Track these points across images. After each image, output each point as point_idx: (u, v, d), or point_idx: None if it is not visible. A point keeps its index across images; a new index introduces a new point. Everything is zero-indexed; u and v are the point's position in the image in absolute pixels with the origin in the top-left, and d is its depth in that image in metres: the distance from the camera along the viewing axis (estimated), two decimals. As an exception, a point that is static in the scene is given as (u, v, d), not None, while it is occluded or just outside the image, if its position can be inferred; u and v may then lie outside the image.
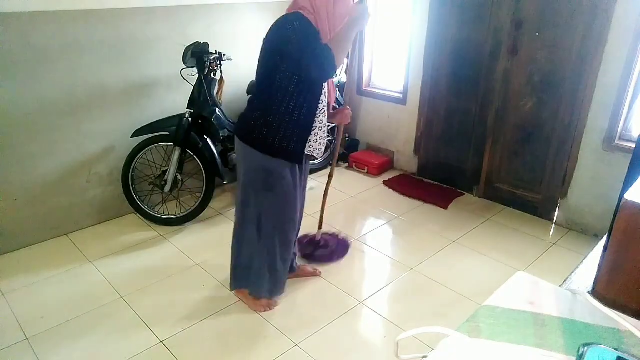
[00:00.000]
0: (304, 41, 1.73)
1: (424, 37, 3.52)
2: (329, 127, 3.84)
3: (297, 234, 2.37)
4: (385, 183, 3.81)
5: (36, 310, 2.32)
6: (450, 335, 0.89)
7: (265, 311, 2.29)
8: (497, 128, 3.32)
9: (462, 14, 3.29)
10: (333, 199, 3.54)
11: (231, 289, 2.34)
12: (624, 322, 0.93)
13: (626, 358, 0.81)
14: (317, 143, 2.01)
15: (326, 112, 2.02)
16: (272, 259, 2.16)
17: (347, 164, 4.16)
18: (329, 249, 2.71)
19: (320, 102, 1.92)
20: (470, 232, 3.08)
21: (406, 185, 3.76)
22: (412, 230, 3.12)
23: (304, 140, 1.95)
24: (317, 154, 2.04)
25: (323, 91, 1.92)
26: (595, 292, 1.04)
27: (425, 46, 3.54)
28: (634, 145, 2.61)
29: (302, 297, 2.45)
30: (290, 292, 2.48)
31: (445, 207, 3.42)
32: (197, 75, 2.97)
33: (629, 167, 1.14)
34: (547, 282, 1.07)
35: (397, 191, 3.68)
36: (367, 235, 3.06)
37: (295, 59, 1.78)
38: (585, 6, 2.74)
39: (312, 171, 3.96)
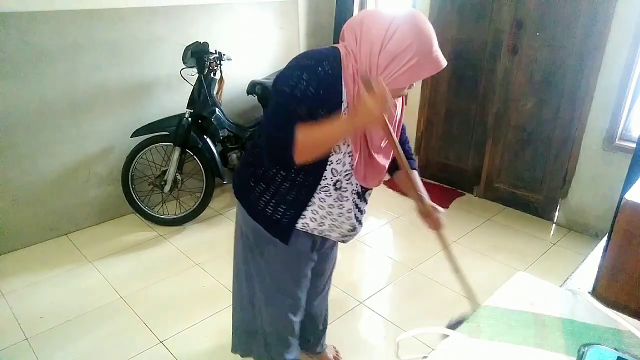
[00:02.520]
0: (289, 98, 1.21)
1: (424, 37, 3.51)
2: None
3: (319, 316, 1.93)
4: (385, 183, 3.80)
5: (36, 310, 2.32)
6: (450, 335, 0.89)
7: None
8: (497, 128, 3.32)
9: (462, 14, 3.29)
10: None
11: (232, 351, 1.93)
12: (624, 322, 0.92)
13: (626, 358, 0.81)
14: (319, 223, 1.49)
15: (339, 191, 1.44)
16: (267, 332, 1.75)
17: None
18: None
19: (323, 178, 1.39)
20: (470, 232, 3.08)
21: (406, 185, 3.75)
22: (412, 230, 3.12)
23: (293, 217, 1.46)
24: (328, 235, 1.55)
25: (330, 167, 1.37)
26: (595, 292, 1.04)
27: (426, 46, 3.53)
28: (634, 145, 2.61)
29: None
30: (290, 292, 2.48)
31: (445, 207, 3.42)
32: (197, 75, 2.97)
33: (629, 167, 1.14)
34: (548, 283, 1.07)
35: (397, 191, 3.68)
36: (367, 235, 3.06)
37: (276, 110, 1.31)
38: (585, 6, 2.73)
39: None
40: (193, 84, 2.99)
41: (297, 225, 1.48)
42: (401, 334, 0.91)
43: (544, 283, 1.07)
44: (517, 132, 3.23)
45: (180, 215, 3.11)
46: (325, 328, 2.01)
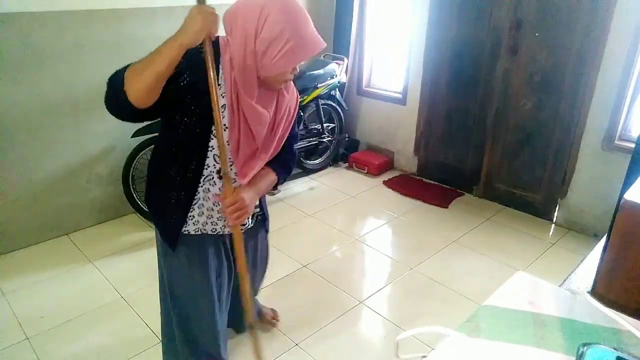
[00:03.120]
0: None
1: (424, 37, 3.52)
2: (329, 127, 3.85)
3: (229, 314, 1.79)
4: (385, 183, 3.81)
5: (36, 310, 2.32)
6: (450, 335, 0.90)
7: None
8: (496, 128, 3.32)
9: (462, 14, 3.29)
10: (333, 198, 3.55)
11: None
12: (624, 322, 0.93)
13: (625, 358, 0.81)
14: (204, 216, 1.47)
15: (220, 182, 1.43)
16: (177, 336, 1.69)
17: (347, 164, 4.16)
18: None
19: (206, 167, 1.39)
20: (470, 232, 3.09)
21: (406, 185, 3.76)
22: (412, 230, 3.13)
23: (178, 216, 1.44)
24: (210, 229, 1.50)
25: (211, 153, 1.38)
26: (594, 292, 1.04)
27: (425, 46, 3.54)
28: (633, 145, 2.60)
29: (302, 297, 2.45)
30: (291, 292, 2.48)
31: (445, 207, 3.42)
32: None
33: (628, 167, 1.14)
34: (547, 282, 1.07)
35: (397, 191, 3.68)
36: (367, 235, 3.06)
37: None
38: (585, 6, 2.74)
39: (312, 171, 3.97)
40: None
41: (187, 228, 1.46)
42: (401, 333, 0.91)
43: (543, 283, 1.07)
44: (517, 132, 3.24)
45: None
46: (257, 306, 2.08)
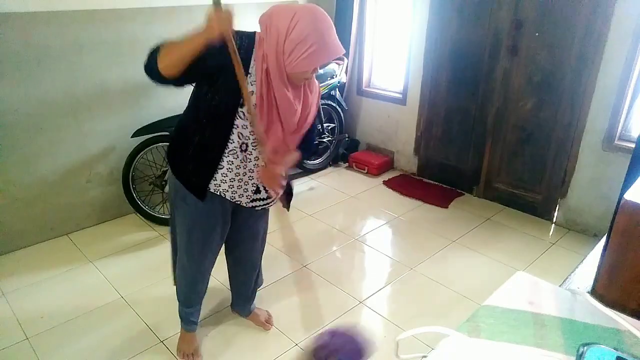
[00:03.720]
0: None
1: (424, 37, 3.52)
2: (329, 127, 3.85)
3: (245, 285, 2.15)
4: (385, 183, 3.81)
5: (36, 310, 2.32)
6: (450, 335, 0.90)
7: (183, 358, 2.03)
8: (496, 128, 3.32)
9: (461, 14, 3.29)
10: (333, 198, 3.55)
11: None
12: (624, 322, 0.93)
13: (625, 358, 0.81)
14: (229, 186, 1.69)
15: (246, 154, 1.65)
16: (176, 279, 2.02)
17: (347, 164, 4.16)
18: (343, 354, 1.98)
19: (230, 141, 1.60)
20: (470, 232, 3.09)
21: (406, 185, 3.76)
22: (412, 230, 3.13)
23: (206, 175, 1.68)
24: (237, 200, 1.73)
25: (236, 130, 1.59)
26: (594, 292, 1.04)
27: (425, 46, 3.54)
28: (633, 145, 2.61)
29: (302, 297, 2.45)
30: (291, 292, 2.48)
31: (445, 207, 3.42)
32: (197, 75, 2.97)
33: (628, 167, 1.14)
34: (547, 282, 1.07)
35: (397, 191, 3.68)
36: (367, 235, 3.06)
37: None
38: (585, 6, 2.74)
39: (312, 171, 3.97)
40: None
41: (210, 186, 1.69)
42: (401, 333, 0.91)
43: (543, 283, 1.07)
44: (517, 132, 3.24)
45: (180, 215, 3.11)
46: (253, 295, 2.22)
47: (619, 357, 0.81)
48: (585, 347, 0.83)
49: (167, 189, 2.98)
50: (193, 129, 1.65)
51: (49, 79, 2.67)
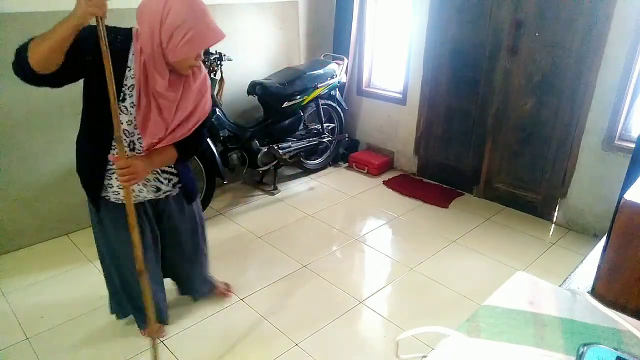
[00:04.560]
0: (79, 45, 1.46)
1: (424, 37, 3.52)
2: (329, 127, 3.85)
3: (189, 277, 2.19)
4: (385, 183, 3.81)
5: (36, 310, 2.32)
6: (450, 335, 0.90)
7: (149, 336, 1.99)
8: (496, 128, 3.32)
9: (462, 14, 3.29)
10: (333, 198, 3.55)
11: (110, 312, 2.17)
12: (624, 322, 0.93)
13: (626, 358, 0.81)
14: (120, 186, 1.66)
15: (132, 154, 1.64)
16: (121, 292, 2.03)
17: (347, 164, 4.16)
18: None
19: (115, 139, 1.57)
20: (470, 232, 3.09)
21: (406, 185, 3.76)
22: (412, 230, 3.13)
23: (97, 181, 1.66)
24: (138, 199, 1.73)
25: (120, 127, 1.52)
26: (594, 292, 1.04)
27: (425, 46, 3.54)
28: (633, 145, 2.61)
29: (302, 297, 2.45)
30: (291, 292, 2.48)
31: (445, 207, 3.42)
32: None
33: (628, 167, 1.14)
34: (547, 282, 1.07)
35: (397, 191, 3.68)
36: (367, 235, 3.06)
37: None
38: (585, 6, 2.74)
39: (312, 171, 3.97)
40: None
41: (107, 194, 1.70)
42: (401, 333, 0.91)
43: (543, 283, 1.07)
44: (517, 132, 3.24)
45: (180, 215, 3.11)
46: (206, 279, 2.26)
47: (619, 357, 0.81)
48: (585, 347, 0.83)
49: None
50: (82, 130, 1.69)
51: (49, 79, 2.67)
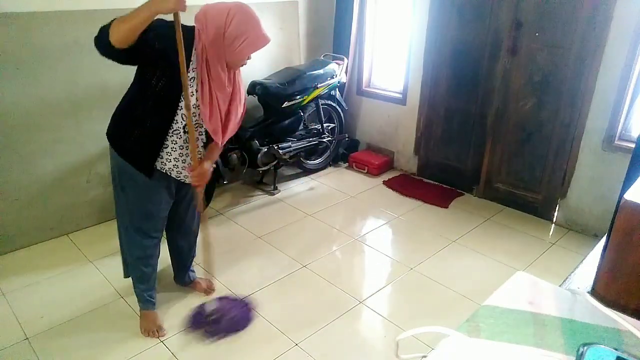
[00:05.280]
0: (153, 34, 1.67)
1: (424, 37, 3.52)
2: (329, 127, 3.85)
3: (184, 253, 2.37)
4: (385, 183, 3.81)
5: (36, 310, 2.32)
6: (450, 335, 0.90)
7: (148, 336, 2.15)
8: (496, 128, 3.32)
9: (462, 14, 3.29)
10: (333, 198, 3.55)
11: (124, 276, 2.30)
12: (624, 322, 0.93)
13: (626, 358, 0.81)
14: (173, 164, 1.92)
15: (185, 136, 1.88)
16: (129, 260, 2.17)
17: (347, 164, 4.16)
18: (223, 321, 2.22)
19: (175, 122, 1.82)
20: (470, 232, 3.09)
21: (406, 185, 3.76)
22: (412, 230, 3.13)
23: (152, 154, 1.87)
24: (179, 176, 1.96)
25: (179, 112, 1.81)
26: (594, 292, 1.04)
27: (425, 46, 3.54)
28: (633, 145, 2.61)
29: (302, 297, 2.45)
30: (291, 292, 2.49)
31: (445, 207, 3.42)
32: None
33: (628, 167, 1.14)
34: (547, 282, 1.07)
35: (397, 191, 3.68)
36: (367, 235, 3.06)
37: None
38: (585, 6, 2.74)
39: (312, 171, 3.97)
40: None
41: (156, 164, 1.90)
42: (401, 333, 0.91)
43: (543, 283, 1.07)
44: (517, 132, 3.24)
45: (180, 215, 3.11)
46: (190, 263, 2.43)
47: (619, 357, 0.81)
48: (585, 347, 0.83)
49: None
50: (140, 111, 1.81)
51: (49, 79, 2.67)
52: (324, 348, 2.10)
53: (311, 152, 3.84)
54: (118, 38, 1.57)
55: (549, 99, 3.02)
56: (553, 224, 3.20)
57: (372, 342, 2.17)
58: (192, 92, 1.80)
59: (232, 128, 1.97)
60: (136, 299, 2.22)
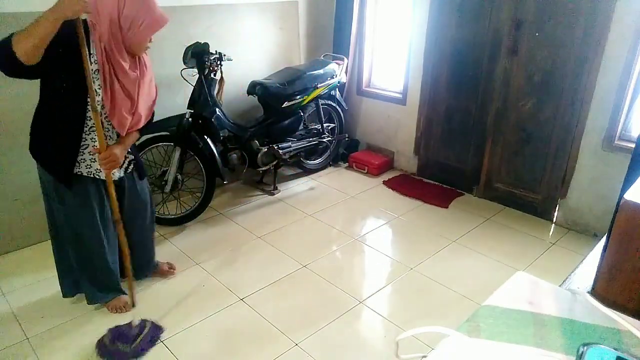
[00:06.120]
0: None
1: (424, 37, 3.52)
2: (329, 127, 3.85)
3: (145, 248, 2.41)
4: (385, 183, 3.81)
5: (37, 309, 2.32)
6: (450, 335, 0.89)
7: (115, 312, 2.27)
8: (496, 128, 3.32)
9: (461, 14, 3.29)
10: (333, 198, 3.55)
11: (64, 296, 2.28)
12: (624, 322, 0.93)
13: (626, 358, 0.81)
14: (97, 163, 1.90)
15: (107, 131, 1.89)
16: (79, 270, 2.16)
17: (347, 164, 4.16)
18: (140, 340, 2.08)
19: (88, 119, 1.81)
20: (470, 232, 3.09)
21: (406, 185, 3.76)
22: (412, 230, 3.13)
23: (71, 158, 1.84)
24: (101, 175, 1.94)
25: (89, 107, 1.78)
26: (594, 292, 1.04)
27: (425, 46, 3.54)
28: (633, 145, 2.61)
29: (302, 297, 2.45)
30: (291, 292, 2.49)
31: (445, 207, 3.42)
32: (198, 76, 2.97)
33: (628, 167, 1.14)
34: (547, 282, 1.07)
35: (397, 191, 3.68)
36: (367, 235, 3.06)
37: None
38: (585, 6, 2.74)
39: (312, 171, 3.97)
40: (193, 85, 2.99)
41: (81, 170, 1.88)
42: (401, 333, 0.91)
43: (543, 283, 1.07)
44: (517, 132, 3.24)
45: (180, 215, 3.11)
46: (153, 256, 2.49)
47: (619, 357, 0.81)
48: (585, 347, 0.83)
49: (167, 188, 2.98)
50: (51, 117, 1.81)
51: (49, 79, 2.67)
52: (324, 348, 2.10)
53: (311, 152, 3.84)
54: (28, 54, 1.53)
55: (549, 99, 3.02)
56: (553, 224, 3.20)
57: (372, 342, 2.17)
58: (99, 84, 1.79)
59: (145, 111, 1.97)
60: (104, 299, 2.26)
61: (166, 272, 2.56)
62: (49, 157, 1.85)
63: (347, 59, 3.86)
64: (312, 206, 3.41)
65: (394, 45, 3.95)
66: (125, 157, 2.06)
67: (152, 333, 2.11)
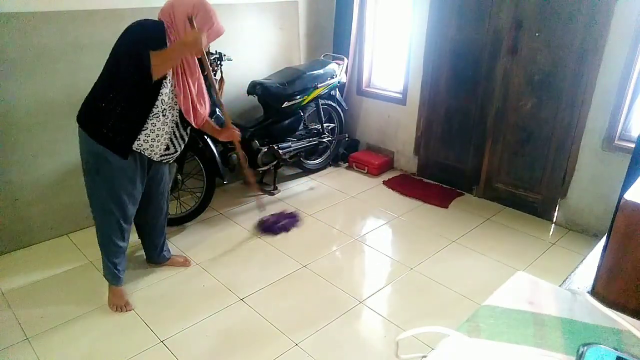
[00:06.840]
0: (139, 43, 1.92)
1: (424, 37, 3.52)
2: (329, 127, 3.85)
3: (156, 230, 2.55)
4: (385, 183, 3.81)
5: (37, 309, 2.32)
6: (450, 335, 0.89)
7: (116, 311, 2.32)
8: (496, 128, 3.32)
9: (461, 14, 3.29)
10: (333, 198, 3.55)
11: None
12: (624, 322, 0.93)
13: (626, 358, 0.81)
14: (149, 145, 2.10)
15: (165, 118, 2.08)
16: (102, 240, 2.27)
17: (347, 164, 4.16)
18: (279, 225, 3.05)
19: (155, 107, 2.02)
20: (470, 232, 3.09)
21: (406, 185, 3.76)
22: (412, 230, 3.13)
23: (131, 136, 2.04)
24: (152, 155, 2.14)
25: (160, 97, 2.01)
26: (594, 292, 1.04)
27: (425, 46, 3.54)
28: (633, 145, 2.61)
29: (302, 297, 2.45)
30: (291, 292, 2.49)
31: (445, 207, 3.42)
32: (197, 75, 2.97)
33: (628, 167, 1.14)
34: (547, 282, 1.07)
35: (397, 191, 3.68)
36: (367, 235, 3.06)
37: (128, 57, 1.94)
38: (585, 6, 2.74)
39: (312, 171, 3.97)
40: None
41: (133, 145, 2.05)
42: (401, 333, 0.91)
43: (543, 283, 1.07)
44: (517, 132, 3.24)
45: (180, 215, 3.11)
46: (164, 242, 2.61)
47: (619, 357, 0.81)
48: (585, 347, 0.83)
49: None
50: (116, 99, 1.97)
51: (49, 79, 2.67)
52: (324, 348, 2.10)
53: (311, 152, 3.84)
54: (161, 72, 1.93)
55: (549, 99, 3.02)
56: (553, 224, 3.20)
57: (372, 342, 2.17)
58: (169, 79, 2.02)
59: (203, 111, 2.21)
60: (106, 276, 2.33)
61: (180, 263, 2.68)
62: (113, 132, 2.01)
63: (347, 59, 3.86)
64: (312, 206, 3.41)
65: (394, 46, 3.95)
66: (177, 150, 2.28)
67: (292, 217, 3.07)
